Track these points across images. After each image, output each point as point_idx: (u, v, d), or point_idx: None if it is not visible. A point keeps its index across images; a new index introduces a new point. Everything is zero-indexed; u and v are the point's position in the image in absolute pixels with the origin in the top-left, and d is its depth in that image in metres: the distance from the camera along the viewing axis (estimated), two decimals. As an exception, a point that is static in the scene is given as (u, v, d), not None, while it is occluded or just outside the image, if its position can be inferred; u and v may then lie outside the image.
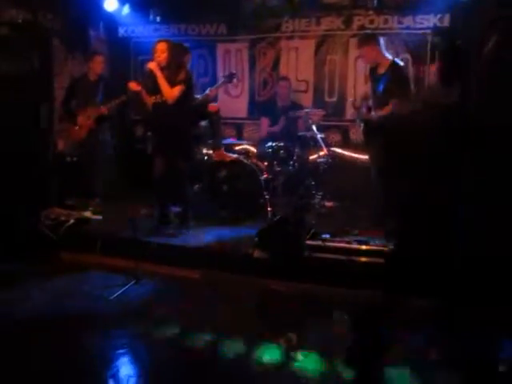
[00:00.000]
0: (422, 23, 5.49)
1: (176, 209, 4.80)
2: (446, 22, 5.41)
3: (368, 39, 4.64)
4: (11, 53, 4.95)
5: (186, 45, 5.12)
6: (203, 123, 5.24)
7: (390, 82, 4.29)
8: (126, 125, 6.15)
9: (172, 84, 4.24)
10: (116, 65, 6.48)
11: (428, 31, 5.48)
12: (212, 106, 5.12)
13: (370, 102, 4.56)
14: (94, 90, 5.29)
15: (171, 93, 4.24)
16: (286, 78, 5.87)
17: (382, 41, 4.54)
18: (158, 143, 4.46)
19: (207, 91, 5.03)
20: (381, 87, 4.39)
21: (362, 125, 4.67)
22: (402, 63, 4.61)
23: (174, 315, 3.34)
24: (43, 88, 5.25)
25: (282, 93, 5.74)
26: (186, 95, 4.38)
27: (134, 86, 4.50)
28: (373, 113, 4.49)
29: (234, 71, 5.44)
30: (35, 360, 2.69)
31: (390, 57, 4.51)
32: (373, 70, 4.67)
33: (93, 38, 6.31)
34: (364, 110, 4.63)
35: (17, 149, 4.76)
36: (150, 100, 4.37)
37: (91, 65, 5.39)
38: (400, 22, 5.56)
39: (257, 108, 6.22)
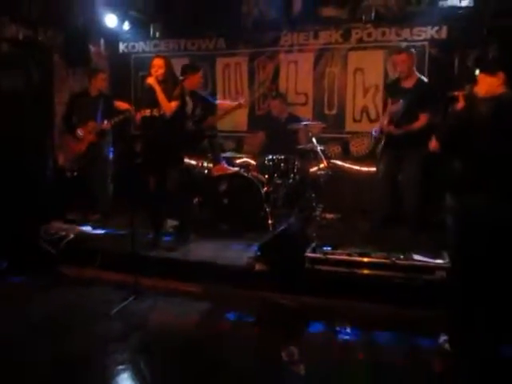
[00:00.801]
0: (419, 35, 5.53)
1: (174, 222, 4.79)
2: (444, 33, 5.45)
3: (407, 48, 4.73)
4: (12, 69, 5.01)
5: (197, 64, 5.25)
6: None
7: (420, 96, 4.32)
8: (126, 140, 6.17)
9: (169, 98, 4.32)
10: (116, 80, 6.52)
11: (425, 43, 5.52)
12: (208, 122, 5.17)
13: (394, 115, 4.54)
14: (95, 106, 5.32)
15: (169, 106, 4.31)
16: (277, 97, 5.85)
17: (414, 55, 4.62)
18: (151, 156, 4.44)
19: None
20: (408, 101, 4.39)
21: (380, 137, 4.63)
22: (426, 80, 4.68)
23: (175, 330, 3.30)
24: (44, 103, 5.30)
25: (275, 110, 5.78)
26: (181, 109, 4.49)
27: (120, 105, 5.05)
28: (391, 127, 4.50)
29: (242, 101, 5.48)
30: (32, 374, 2.65)
31: (416, 72, 4.58)
32: (394, 83, 4.69)
33: (93, 54, 6.35)
34: (385, 122, 4.60)
35: (17, 164, 4.78)
36: (140, 114, 4.42)
37: (94, 81, 5.43)
38: (398, 35, 5.59)
39: (256, 122, 6.24)
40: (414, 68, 4.63)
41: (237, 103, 5.32)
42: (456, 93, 2.96)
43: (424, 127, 4.36)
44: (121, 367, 2.77)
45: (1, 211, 4.61)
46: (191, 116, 5.03)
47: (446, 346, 2.91)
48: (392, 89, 4.77)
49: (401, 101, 4.54)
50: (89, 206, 5.41)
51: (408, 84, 4.55)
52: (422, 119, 4.40)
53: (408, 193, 4.53)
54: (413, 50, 4.72)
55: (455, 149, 2.91)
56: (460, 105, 2.91)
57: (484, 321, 2.79)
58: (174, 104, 4.33)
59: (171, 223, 4.85)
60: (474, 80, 2.99)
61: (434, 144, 3.00)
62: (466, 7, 5.08)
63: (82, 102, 5.41)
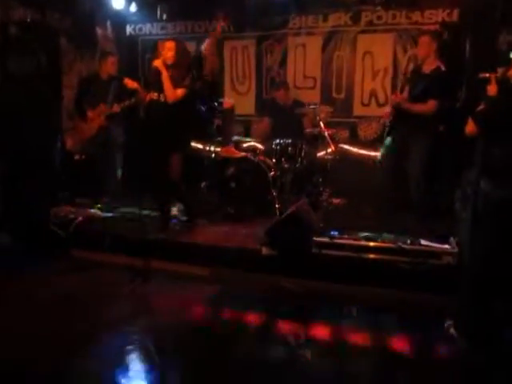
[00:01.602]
0: (430, 18, 5.45)
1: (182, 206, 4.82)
2: (455, 16, 5.37)
3: (430, 32, 4.69)
4: (20, 52, 5.00)
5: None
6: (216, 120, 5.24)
7: (434, 83, 4.28)
8: (134, 124, 6.17)
9: (176, 84, 4.19)
10: (124, 63, 6.49)
11: (437, 26, 5.44)
12: (227, 103, 5.12)
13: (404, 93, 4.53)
14: (106, 89, 5.29)
15: (174, 93, 4.19)
16: (280, 86, 5.80)
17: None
18: (156, 140, 4.38)
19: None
20: (421, 86, 4.37)
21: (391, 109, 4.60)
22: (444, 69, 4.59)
23: (183, 312, 3.35)
24: (52, 87, 5.30)
25: (280, 99, 5.75)
26: (187, 99, 4.34)
27: (129, 83, 4.87)
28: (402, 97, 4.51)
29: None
30: (43, 359, 2.72)
31: (437, 60, 4.50)
32: (416, 70, 4.65)
33: (100, 37, 6.33)
34: (393, 97, 4.60)
35: (26, 148, 4.80)
36: (149, 96, 4.33)
37: (103, 65, 5.39)
38: (408, 18, 5.52)
39: (263, 106, 6.22)
40: (436, 54, 4.50)
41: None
42: (487, 74, 2.88)
43: (431, 113, 4.34)
44: (129, 347, 2.82)
45: (10, 194, 4.66)
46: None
47: (452, 330, 2.93)
48: (413, 75, 4.66)
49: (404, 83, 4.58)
50: (97, 189, 5.44)
51: (427, 70, 4.48)
52: (430, 105, 4.36)
53: (415, 178, 4.52)
54: (438, 35, 4.64)
55: (495, 133, 2.83)
56: (492, 87, 2.83)
57: (499, 308, 2.79)
58: (180, 92, 4.19)
59: (180, 207, 4.88)
60: (509, 63, 2.92)
61: (470, 128, 2.90)
62: (479, -11, 5.00)
63: (93, 85, 5.38)
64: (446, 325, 2.98)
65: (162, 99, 4.24)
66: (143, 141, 4.52)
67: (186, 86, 4.25)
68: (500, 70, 2.94)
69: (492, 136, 2.85)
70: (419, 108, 4.39)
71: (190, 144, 4.80)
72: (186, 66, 4.34)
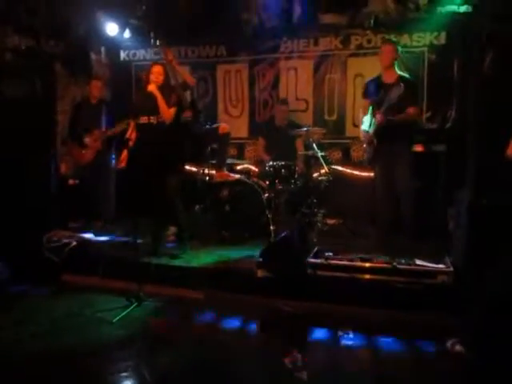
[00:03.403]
0: (418, 41, 5.57)
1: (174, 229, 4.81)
2: (443, 39, 5.49)
3: (391, 41, 4.81)
4: (15, 78, 5.05)
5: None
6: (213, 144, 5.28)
7: (404, 91, 4.26)
8: (127, 148, 6.20)
9: (168, 105, 4.41)
10: (118, 88, 6.56)
11: (425, 49, 5.56)
12: (223, 127, 5.18)
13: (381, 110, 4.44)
14: (97, 113, 5.35)
15: (169, 113, 4.40)
16: (285, 102, 5.90)
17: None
18: (149, 163, 4.43)
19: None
20: (392, 96, 4.33)
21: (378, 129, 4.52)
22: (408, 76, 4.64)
23: (178, 336, 3.31)
24: (46, 112, 5.33)
25: (279, 116, 5.82)
26: (178, 116, 4.56)
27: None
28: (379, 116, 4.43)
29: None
30: (35, 379, 2.67)
31: (397, 69, 4.56)
32: (375, 80, 4.64)
33: (95, 62, 6.40)
34: (378, 116, 4.45)
35: (20, 172, 4.81)
36: (140, 120, 4.44)
37: (89, 89, 5.49)
38: (397, 41, 5.62)
39: (257, 128, 6.27)
40: (396, 63, 4.57)
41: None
42: None
43: (411, 120, 4.41)
44: (124, 374, 2.77)
45: (4, 220, 4.63)
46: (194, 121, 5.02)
47: (458, 347, 2.91)
48: (372, 86, 4.64)
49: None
50: (91, 213, 5.43)
51: (390, 79, 4.50)
52: (411, 110, 4.38)
53: (403, 197, 4.49)
54: (398, 47, 4.67)
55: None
56: None
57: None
58: (172, 111, 4.43)
59: (173, 230, 4.86)
60: None
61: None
62: (465, 13, 5.11)
63: (83, 110, 5.45)
64: (449, 342, 2.96)
65: (154, 121, 4.36)
66: (137, 164, 4.55)
67: (176, 104, 4.47)
68: None
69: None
70: (404, 116, 4.35)
71: (184, 167, 4.83)
72: (172, 87, 4.53)
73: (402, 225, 4.52)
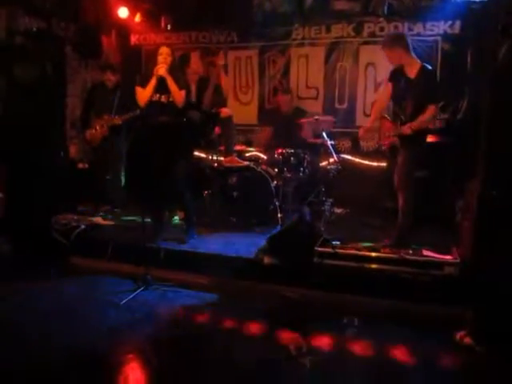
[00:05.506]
0: (432, 30, 5.49)
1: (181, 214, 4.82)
2: (457, 28, 5.41)
3: (392, 40, 4.24)
4: (25, 61, 5.04)
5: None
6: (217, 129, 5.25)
7: (425, 86, 3.96)
8: (136, 133, 6.20)
9: (179, 87, 4.34)
10: (127, 72, 6.54)
11: (438, 38, 5.48)
12: (224, 111, 5.11)
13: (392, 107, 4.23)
14: (111, 98, 5.32)
15: (180, 95, 4.34)
16: (287, 92, 5.85)
17: (409, 41, 4.16)
18: (158, 145, 4.37)
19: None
20: (412, 91, 4.02)
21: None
22: (430, 68, 4.24)
23: (183, 321, 3.34)
24: (56, 95, 5.34)
25: (283, 105, 5.78)
26: (188, 98, 4.53)
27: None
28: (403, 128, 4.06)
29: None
30: (43, 362, 2.71)
31: (418, 60, 4.15)
32: (398, 72, 4.21)
33: (105, 46, 6.38)
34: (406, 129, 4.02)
35: (29, 155, 4.83)
36: (151, 98, 4.33)
37: (104, 76, 5.44)
38: (410, 29, 5.56)
39: (266, 115, 6.25)
40: (412, 54, 4.11)
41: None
42: None
43: (434, 118, 4.24)
44: (129, 356, 2.81)
45: (13, 202, 4.67)
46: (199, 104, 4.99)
47: (467, 339, 2.90)
48: (397, 74, 4.22)
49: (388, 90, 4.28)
50: (99, 197, 5.46)
51: (411, 73, 4.09)
52: (430, 110, 3.99)
53: (399, 191, 4.13)
54: (408, 39, 4.18)
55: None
56: None
57: None
58: (183, 93, 4.37)
59: (181, 215, 4.88)
60: None
61: None
62: (480, 2, 5.03)
63: (99, 94, 5.42)
64: (458, 335, 2.95)
65: (164, 100, 4.33)
66: (146, 148, 4.53)
67: (185, 87, 4.42)
68: None
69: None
70: (423, 121, 3.99)
71: (193, 152, 4.81)
72: (181, 69, 4.60)
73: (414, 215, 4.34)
